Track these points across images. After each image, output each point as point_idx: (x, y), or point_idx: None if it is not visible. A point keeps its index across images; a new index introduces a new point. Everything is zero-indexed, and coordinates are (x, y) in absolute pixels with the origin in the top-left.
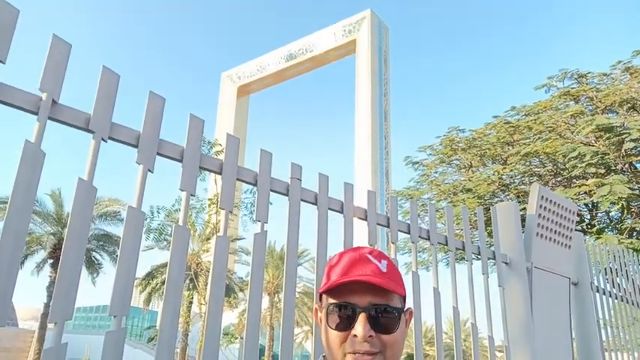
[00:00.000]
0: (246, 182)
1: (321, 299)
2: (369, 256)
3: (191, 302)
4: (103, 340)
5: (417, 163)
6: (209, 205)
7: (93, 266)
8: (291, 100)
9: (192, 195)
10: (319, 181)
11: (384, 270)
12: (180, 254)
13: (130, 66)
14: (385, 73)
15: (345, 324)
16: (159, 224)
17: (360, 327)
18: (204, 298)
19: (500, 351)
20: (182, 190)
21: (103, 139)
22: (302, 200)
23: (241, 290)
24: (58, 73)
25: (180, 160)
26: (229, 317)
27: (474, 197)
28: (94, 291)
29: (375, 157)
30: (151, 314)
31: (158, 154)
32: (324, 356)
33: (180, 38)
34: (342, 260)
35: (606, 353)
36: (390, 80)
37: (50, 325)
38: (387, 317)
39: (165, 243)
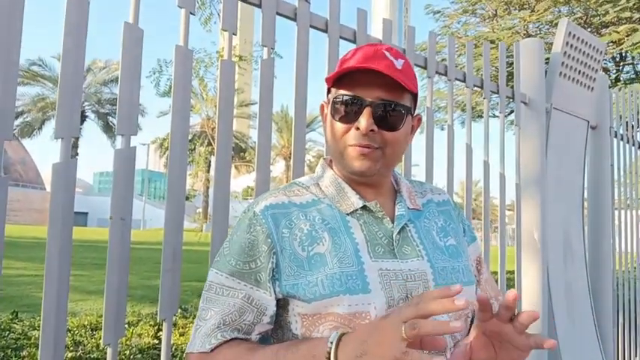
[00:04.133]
0: (250, 3)
1: (328, 94)
2: (386, 52)
3: (210, 162)
4: (113, 157)
5: (438, 12)
6: (218, 59)
7: (111, 131)
8: None
9: (191, 13)
10: (330, 5)
11: (400, 68)
12: (185, 80)
13: None
14: None
15: (350, 117)
16: (168, 79)
17: (363, 120)
18: None
19: (510, 209)
20: (180, 7)
21: None
22: (311, 27)
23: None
24: None
25: None
26: (247, 180)
27: (497, 48)
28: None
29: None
30: None
31: None
32: (324, 158)
33: None
34: (356, 54)
35: (616, 211)
36: None
37: (75, 189)
38: (393, 114)
39: None
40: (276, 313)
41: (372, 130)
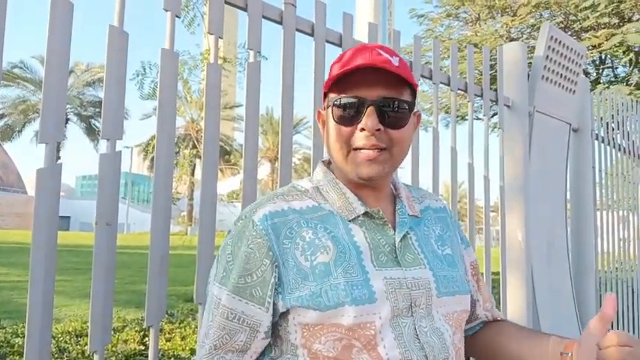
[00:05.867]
0: (236, 6)
1: (325, 99)
2: (380, 51)
3: (195, 166)
4: (98, 161)
5: (422, 16)
6: (202, 61)
7: (94, 134)
8: None
9: (177, 16)
10: (316, 8)
11: (397, 64)
12: (170, 81)
13: None
14: None
15: (353, 118)
16: (152, 82)
17: (368, 120)
18: None
19: (494, 211)
20: (166, 10)
21: None
22: (297, 30)
23: (242, 157)
24: None
25: None
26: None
27: (481, 52)
28: (101, 149)
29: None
30: None
31: None
32: (323, 161)
33: None
34: (347, 54)
35: (598, 212)
36: None
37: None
38: (397, 112)
39: None
40: (274, 323)
41: (378, 130)
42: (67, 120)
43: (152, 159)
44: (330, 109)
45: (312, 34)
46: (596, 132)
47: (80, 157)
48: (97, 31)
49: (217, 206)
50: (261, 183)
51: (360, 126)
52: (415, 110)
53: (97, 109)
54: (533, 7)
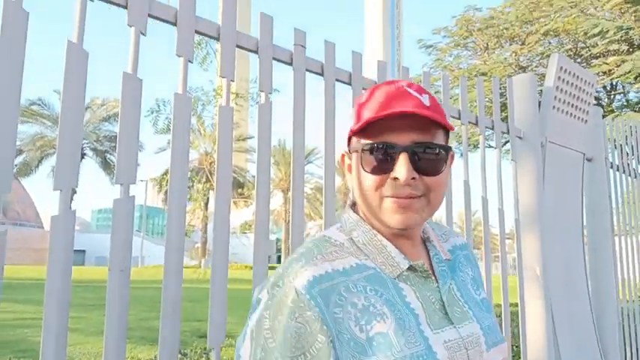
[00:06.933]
0: (247, 49)
1: (349, 143)
2: (409, 89)
3: (208, 199)
4: (112, 206)
5: (430, 47)
6: (215, 97)
7: (110, 168)
8: None
9: (189, 62)
10: (325, 49)
11: (428, 104)
12: (183, 125)
13: None
14: None
15: (384, 166)
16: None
17: (402, 169)
18: None
19: (509, 238)
20: (179, 56)
21: None
22: (307, 70)
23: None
24: None
25: (174, 24)
26: (246, 215)
27: (490, 81)
28: (115, 192)
29: (387, 47)
30: None
31: (150, 16)
32: (350, 205)
33: None
34: (375, 95)
35: (616, 238)
36: None
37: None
38: (431, 157)
39: None
40: None
41: (413, 179)
42: (84, 155)
43: (166, 192)
44: (357, 154)
45: (322, 74)
46: (611, 160)
47: (96, 190)
48: (114, 68)
49: (230, 238)
50: (274, 213)
51: (392, 175)
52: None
53: (113, 144)
54: (542, 35)
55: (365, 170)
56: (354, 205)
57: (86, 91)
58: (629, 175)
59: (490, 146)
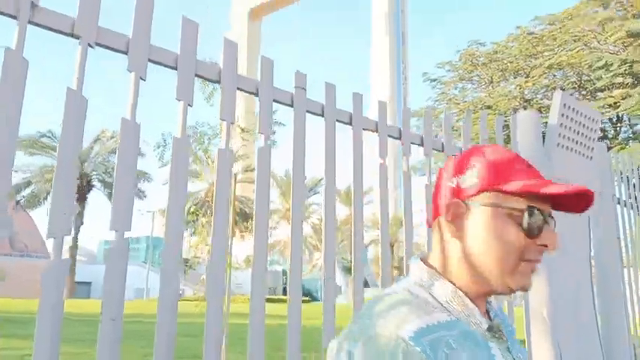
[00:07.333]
0: (248, 92)
1: (472, 195)
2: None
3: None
4: (105, 254)
5: (435, 80)
6: (221, 131)
7: None
8: (303, 25)
9: (189, 105)
10: (326, 90)
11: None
12: (183, 167)
13: None
14: None
15: (536, 230)
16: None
17: (554, 237)
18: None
19: None
20: (179, 100)
21: (90, 45)
22: (308, 112)
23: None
24: None
25: (175, 68)
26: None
27: (495, 114)
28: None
29: (393, 81)
30: None
31: (150, 60)
32: (422, 260)
33: None
34: (514, 158)
35: (625, 269)
36: None
37: (79, 257)
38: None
39: None
40: None
41: None
42: (92, 186)
43: None
44: (496, 210)
45: (322, 115)
46: (618, 197)
47: (102, 222)
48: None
49: (235, 273)
50: (280, 244)
51: (539, 241)
52: None
53: None
54: (547, 68)
55: (521, 230)
56: (426, 262)
57: (97, 122)
58: (638, 212)
59: None
